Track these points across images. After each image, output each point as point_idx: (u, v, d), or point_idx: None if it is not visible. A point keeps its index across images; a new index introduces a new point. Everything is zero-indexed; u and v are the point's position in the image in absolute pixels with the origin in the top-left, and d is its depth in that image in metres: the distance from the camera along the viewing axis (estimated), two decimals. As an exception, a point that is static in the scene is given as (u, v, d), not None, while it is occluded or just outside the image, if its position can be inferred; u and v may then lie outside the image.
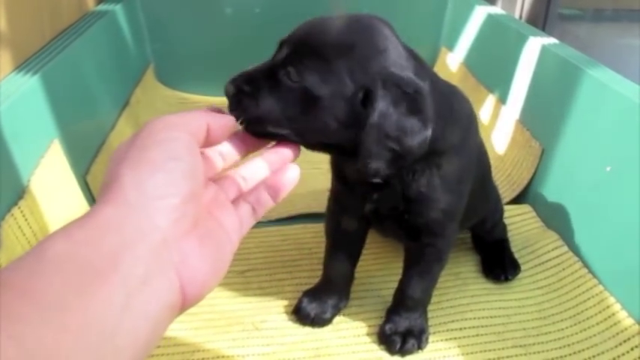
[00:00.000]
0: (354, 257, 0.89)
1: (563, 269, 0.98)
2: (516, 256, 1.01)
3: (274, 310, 0.90)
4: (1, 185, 0.76)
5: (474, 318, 0.89)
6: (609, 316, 0.87)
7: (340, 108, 0.59)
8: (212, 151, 0.48)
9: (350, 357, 0.83)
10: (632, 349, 0.81)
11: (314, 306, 0.87)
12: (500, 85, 1.39)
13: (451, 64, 1.69)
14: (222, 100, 0.58)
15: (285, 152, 0.54)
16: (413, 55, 0.64)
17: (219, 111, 0.48)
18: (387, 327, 0.84)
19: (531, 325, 0.88)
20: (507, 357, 0.83)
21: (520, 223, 1.12)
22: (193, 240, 0.39)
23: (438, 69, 1.76)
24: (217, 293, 0.91)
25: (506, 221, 1.05)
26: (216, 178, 0.49)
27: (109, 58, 1.34)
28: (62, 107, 0.98)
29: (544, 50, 1.22)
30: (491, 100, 1.42)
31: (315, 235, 1.04)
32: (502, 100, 1.37)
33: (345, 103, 0.59)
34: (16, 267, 0.31)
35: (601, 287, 0.92)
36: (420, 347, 0.83)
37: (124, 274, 0.33)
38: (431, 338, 0.85)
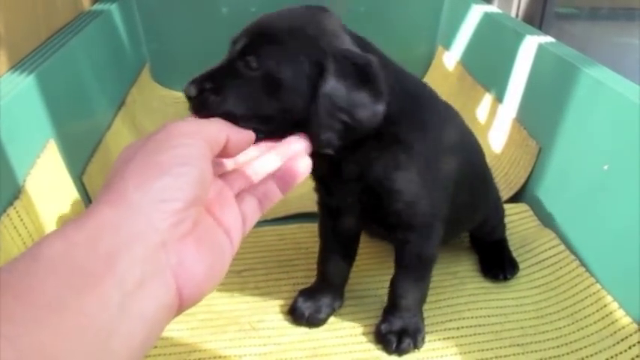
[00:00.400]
0: (348, 257, 0.89)
1: (561, 268, 0.98)
2: (513, 255, 1.01)
3: (271, 310, 0.90)
4: (-3, 185, 0.76)
5: (472, 317, 0.89)
6: (606, 315, 0.87)
7: (301, 86, 0.60)
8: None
9: (347, 357, 0.82)
10: (629, 347, 0.81)
11: (308, 305, 0.87)
12: (496, 84, 1.39)
13: (448, 62, 1.69)
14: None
15: (297, 145, 0.55)
16: (364, 41, 0.68)
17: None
18: (383, 326, 0.84)
19: (529, 324, 0.88)
20: (505, 356, 0.83)
21: (517, 222, 1.12)
22: (191, 242, 0.38)
23: (434, 68, 1.76)
24: (214, 293, 0.91)
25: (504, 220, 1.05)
26: (224, 173, 0.49)
27: (105, 57, 1.34)
28: (58, 107, 0.98)
29: (541, 49, 1.22)
30: (487, 98, 1.42)
31: (311, 234, 1.03)
32: (499, 98, 1.37)
33: (305, 81, 0.60)
34: (12, 267, 0.31)
35: (598, 286, 0.92)
36: (416, 346, 0.83)
37: (120, 275, 0.33)
38: (428, 337, 0.85)
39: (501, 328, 0.87)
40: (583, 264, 0.97)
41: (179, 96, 1.65)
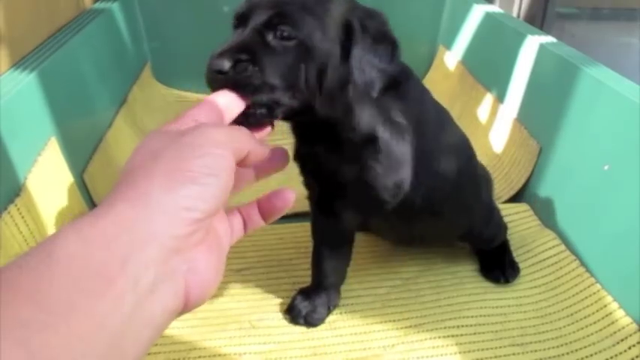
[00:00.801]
0: (342, 256, 0.88)
1: (561, 268, 0.98)
2: (514, 257, 1.01)
3: (271, 309, 0.90)
4: (-2, 183, 0.76)
5: (472, 316, 0.89)
6: (606, 315, 0.87)
7: (334, 51, 0.63)
8: None
9: (347, 355, 0.82)
10: (629, 347, 0.81)
11: (306, 304, 0.87)
12: (497, 84, 1.39)
13: (449, 62, 1.69)
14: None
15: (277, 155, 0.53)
16: None
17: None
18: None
19: (529, 323, 0.88)
20: (505, 355, 0.83)
21: (517, 222, 1.12)
22: (201, 250, 0.39)
23: (435, 67, 1.76)
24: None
25: (504, 220, 1.05)
26: None
27: (107, 56, 1.34)
28: (59, 105, 0.98)
29: (542, 49, 1.22)
30: (489, 98, 1.42)
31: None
32: (500, 98, 1.37)
33: (337, 45, 0.63)
34: (25, 263, 0.31)
35: (598, 286, 0.92)
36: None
37: (135, 279, 0.32)
38: (428, 335, 0.85)
39: (501, 327, 0.87)
40: (583, 264, 0.97)
41: (180, 94, 1.65)
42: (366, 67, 0.63)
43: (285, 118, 0.64)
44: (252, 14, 0.61)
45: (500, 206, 1.13)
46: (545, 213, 1.12)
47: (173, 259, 0.36)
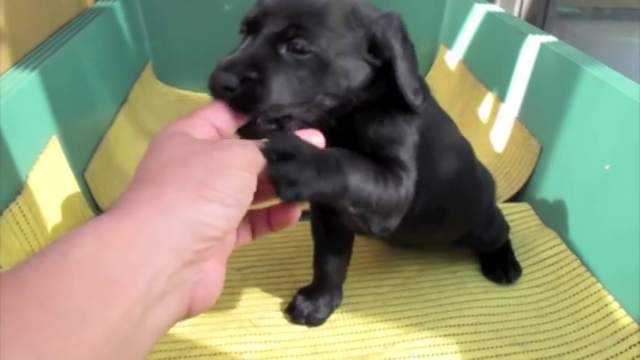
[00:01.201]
0: (343, 255, 0.88)
1: (562, 267, 0.98)
2: (516, 257, 1.01)
3: (272, 308, 0.90)
4: (0, 181, 0.76)
5: (473, 315, 0.89)
6: (607, 315, 0.87)
7: (351, 63, 0.60)
8: None
9: (347, 353, 0.83)
10: (629, 347, 0.81)
11: (307, 305, 0.87)
12: (499, 83, 1.39)
13: (450, 61, 1.69)
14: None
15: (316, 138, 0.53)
16: None
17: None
18: None
19: (529, 323, 0.88)
20: (505, 354, 0.83)
21: (518, 222, 1.12)
22: (213, 261, 0.40)
23: (436, 66, 1.76)
24: (215, 290, 0.91)
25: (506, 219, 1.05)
26: None
27: (108, 54, 1.34)
28: (61, 103, 0.98)
29: (543, 48, 1.22)
30: (490, 98, 1.42)
31: (313, 232, 1.04)
32: (501, 98, 1.37)
33: (358, 56, 0.61)
34: (39, 264, 0.30)
35: (599, 286, 0.92)
36: None
37: (147, 288, 0.33)
38: (429, 334, 0.85)
39: (502, 326, 0.87)
40: (584, 263, 0.97)
41: (181, 93, 1.65)
42: (409, 74, 0.63)
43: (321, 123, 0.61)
44: (264, 21, 0.58)
45: (501, 205, 1.13)
46: (546, 212, 1.12)
47: (185, 270, 0.36)
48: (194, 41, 1.66)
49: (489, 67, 1.47)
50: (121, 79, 1.42)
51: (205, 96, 0.54)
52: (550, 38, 1.25)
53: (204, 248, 0.37)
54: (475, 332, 0.86)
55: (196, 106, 0.47)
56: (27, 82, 0.90)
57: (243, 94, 0.52)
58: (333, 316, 0.89)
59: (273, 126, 0.56)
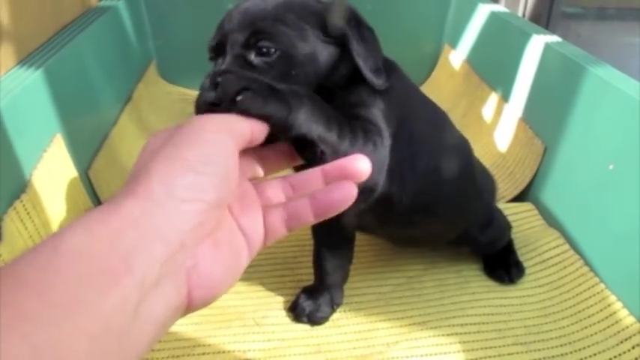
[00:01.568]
0: (344, 255, 0.88)
1: (565, 267, 0.98)
2: (519, 257, 1.01)
3: (275, 306, 0.90)
4: (4, 179, 0.76)
5: (475, 315, 0.89)
6: (610, 315, 0.87)
7: (314, 49, 0.64)
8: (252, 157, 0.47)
9: (351, 352, 0.83)
10: (632, 347, 0.81)
11: (309, 303, 0.88)
12: (503, 83, 1.39)
13: (454, 61, 1.69)
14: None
15: (346, 165, 0.45)
16: None
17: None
18: None
19: (532, 322, 0.88)
20: (508, 354, 0.83)
21: (522, 221, 1.12)
22: (209, 245, 0.38)
23: (440, 66, 1.76)
24: (218, 288, 0.91)
25: (508, 219, 1.05)
26: (257, 181, 0.47)
27: (112, 53, 1.35)
28: (65, 102, 0.98)
29: (547, 48, 1.21)
30: (493, 98, 1.42)
31: (316, 231, 1.04)
32: (505, 98, 1.37)
33: (316, 43, 0.64)
34: (32, 259, 0.31)
35: (602, 286, 0.92)
36: None
37: (140, 275, 0.32)
38: (432, 333, 0.85)
39: (505, 326, 0.87)
40: (587, 263, 0.97)
41: (185, 92, 1.65)
42: (367, 54, 0.65)
43: None
44: (227, 41, 0.62)
45: (504, 205, 1.13)
46: (550, 212, 1.12)
47: (178, 254, 0.35)
48: (198, 40, 1.64)
49: (493, 66, 1.47)
50: (125, 78, 1.42)
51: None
52: (554, 38, 1.25)
53: (191, 226, 0.35)
54: (478, 332, 0.86)
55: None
56: (31, 80, 0.90)
57: (226, 107, 0.52)
58: (335, 315, 0.89)
59: None
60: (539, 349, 0.83)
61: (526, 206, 1.17)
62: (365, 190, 0.68)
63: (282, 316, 0.89)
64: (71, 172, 0.95)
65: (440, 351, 0.83)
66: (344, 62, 0.67)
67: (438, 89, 1.65)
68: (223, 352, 0.81)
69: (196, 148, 0.37)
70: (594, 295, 0.91)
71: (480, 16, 1.55)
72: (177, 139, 0.38)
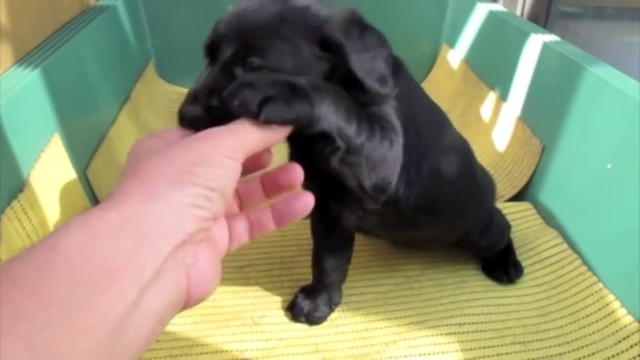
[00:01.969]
0: (342, 255, 0.88)
1: (563, 267, 0.98)
2: (518, 257, 1.00)
3: (273, 306, 0.90)
4: (2, 178, 0.76)
5: (474, 314, 0.89)
6: (608, 314, 0.87)
7: (305, 65, 0.60)
8: None
9: (349, 352, 0.83)
10: (631, 346, 0.81)
11: (307, 302, 0.88)
12: (501, 83, 1.39)
13: (452, 60, 1.69)
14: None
15: (281, 176, 0.50)
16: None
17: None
18: None
19: (530, 322, 0.88)
20: (506, 353, 0.83)
21: (520, 221, 1.12)
22: (204, 246, 0.40)
23: (438, 65, 1.76)
24: (217, 288, 0.91)
25: (507, 220, 1.05)
26: None
27: (110, 52, 1.34)
28: (63, 101, 0.98)
29: (545, 47, 1.21)
30: (492, 97, 1.42)
31: (314, 230, 1.04)
32: (503, 97, 1.37)
33: (309, 58, 0.61)
34: (28, 257, 0.31)
35: (600, 285, 0.92)
36: None
37: (139, 270, 0.33)
38: (430, 332, 0.85)
39: (503, 325, 0.87)
40: (585, 263, 0.97)
41: (184, 92, 1.64)
42: (370, 65, 0.62)
43: None
44: (220, 46, 0.60)
45: (503, 205, 1.13)
46: (548, 212, 1.12)
47: (179, 251, 0.36)
48: (196, 40, 1.64)
49: (491, 66, 1.47)
50: (123, 78, 1.42)
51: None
52: (552, 37, 1.25)
53: (195, 230, 0.37)
54: (476, 331, 0.86)
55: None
56: (29, 80, 0.90)
57: (210, 121, 0.52)
58: (334, 315, 0.89)
59: None
60: (537, 349, 0.83)
61: (524, 205, 1.17)
62: (377, 188, 0.68)
63: (280, 316, 0.89)
64: (69, 171, 0.95)
65: (438, 350, 0.83)
66: (342, 71, 0.63)
67: (436, 89, 1.65)
68: (221, 351, 0.81)
69: (208, 167, 0.39)
70: (592, 294, 0.91)
71: (478, 15, 1.55)
72: (190, 154, 0.39)
